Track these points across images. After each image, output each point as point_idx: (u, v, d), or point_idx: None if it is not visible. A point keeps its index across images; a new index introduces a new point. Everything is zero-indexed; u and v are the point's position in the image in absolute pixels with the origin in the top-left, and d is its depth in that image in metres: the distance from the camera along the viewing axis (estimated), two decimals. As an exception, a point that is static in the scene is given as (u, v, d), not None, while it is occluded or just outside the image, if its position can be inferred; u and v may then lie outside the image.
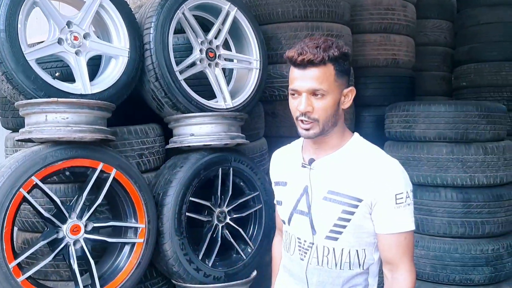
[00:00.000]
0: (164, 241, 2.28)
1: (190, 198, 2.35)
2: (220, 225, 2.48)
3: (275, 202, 1.64)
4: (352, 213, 1.40)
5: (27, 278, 1.86)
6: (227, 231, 2.50)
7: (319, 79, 1.34)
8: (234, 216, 2.52)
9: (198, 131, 2.41)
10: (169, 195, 2.31)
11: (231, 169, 2.49)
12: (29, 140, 2.06)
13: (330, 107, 1.37)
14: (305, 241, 1.48)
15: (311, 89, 1.35)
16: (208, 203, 2.44)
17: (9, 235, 1.83)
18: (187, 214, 2.34)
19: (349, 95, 1.43)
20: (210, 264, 2.42)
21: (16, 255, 1.85)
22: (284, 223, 1.57)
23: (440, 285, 3.04)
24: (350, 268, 1.45)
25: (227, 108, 2.55)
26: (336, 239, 1.42)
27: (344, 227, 1.41)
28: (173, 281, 2.45)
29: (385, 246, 1.42)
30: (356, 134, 1.51)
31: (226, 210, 2.49)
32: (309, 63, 1.33)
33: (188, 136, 2.42)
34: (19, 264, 1.86)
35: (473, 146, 3.02)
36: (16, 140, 2.10)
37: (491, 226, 3.00)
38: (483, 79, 4.76)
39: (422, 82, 4.86)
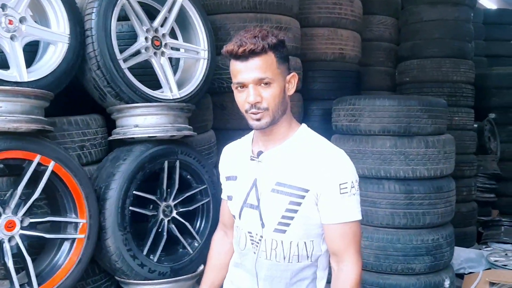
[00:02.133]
0: (107, 237, 2.19)
1: (134, 192, 2.27)
2: (166, 219, 2.41)
3: (225, 197, 1.63)
4: (299, 204, 1.39)
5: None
6: (173, 225, 2.44)
7: (263, 68, 1.33)
8: (181, 210, 2.46)
9: (142, 122, 2.33)
10: (112, 189, 2.22)
11: (178, 162, 2.42)
12: (-42, 131, 1.91)
13: (277, 94, 1.36)
14: (256, 234, 1.47)
15: (256, 79, 1.33)
16: (153, 197, 2.37)
17: None
18: (130, 208, 2.26)
19: (292, 81, 1.43)
20: (155, 260, 2.35)
21: None
22: (235, 217, 1.55)
23: (384, 275, 3.13)
24: (298, 261, 1.44)
25: (173, 99, 2.48)
26: (284, 231, 1.42)
27: (292, 218, 1.40)
28: (117, 278, 2.37)
29: (330, 236, 1.42)
30: (303, 125, 1.51)
31: (172, 204, 2.43)
32: (251, 53, 1.32)
33: (132, 128, 2.33)
34: None
35: (415, 139, 3.12)
36: None
37: (432, 217, 3.12)
38: (425, 74, 4.93)
39: (367, 77, 4.97)
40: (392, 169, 3.10)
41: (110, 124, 2.46)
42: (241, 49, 1.31)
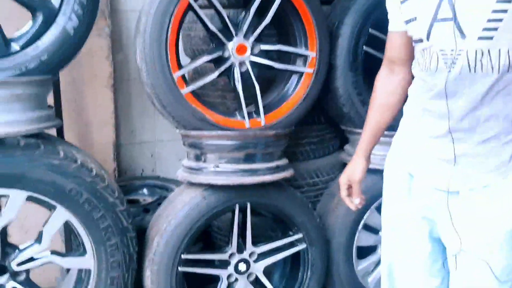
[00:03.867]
0: (336, 77, 2.00)
1: (371, 31, 1.99)
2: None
3: (398, 24, 1.33)
4: (509, 1, 1.08)
5: (192, 93, 1.77)
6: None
7: None
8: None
9: None
10: (346, 25, 1.98)
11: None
12: None
13: None
14: (451, 50, 1.16)
15: None
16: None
17: (174, 44, 1.72)
18: (364, 48, 2.00)
19: None
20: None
21: (181, 67, 1.76)
22: (422, 40, 1.22)
23: None
24: (508, 71, 1.14)
25: None
26: (491, 38, 1.11)
27: (500, 20, 1.09)
28: (342, 127, 2.21)
29: None
30: None
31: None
32: None
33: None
34: (183, 77, 1.77)
35: None
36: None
37: None
38: None
39: None
40: None
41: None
42: None
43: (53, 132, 2.09)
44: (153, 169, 2.93)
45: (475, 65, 1.15)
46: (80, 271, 1.81)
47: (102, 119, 2.61)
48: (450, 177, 1.24)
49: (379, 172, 2.11)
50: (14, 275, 1.68)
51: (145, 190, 2.51)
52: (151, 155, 2.91)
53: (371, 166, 2.07)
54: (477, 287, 1.26)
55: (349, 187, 1.56)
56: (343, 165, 2.42)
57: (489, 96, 1.16)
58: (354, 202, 1.57)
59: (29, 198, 1.61)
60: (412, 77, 1.35)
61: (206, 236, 2.59)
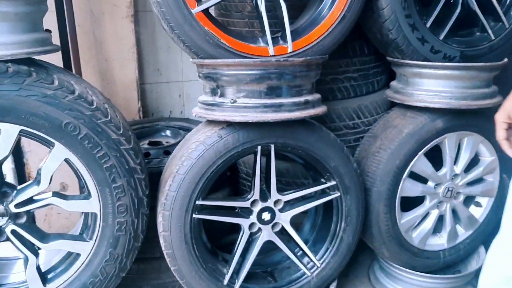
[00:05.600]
0: (380, -6, 1.66)
1: None
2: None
3: None
4: None
5: (204, 14, 1.51)
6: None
7: None
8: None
9: None
10: None
11: None
12: None
13: None
14: None
15: None
16: None
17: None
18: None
19: None
20: (441, 37, 1.74)
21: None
22: None
23: None
24: None
25: None
26: None
27: None
28: (388, 59, 1.88)
29: None
30: None
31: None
32: None
33: None
34: None
35: None
36: None
37: None
38: None
39: None
40: None
41: None
42: None
43: (59, 63, 1.91)
44: (181, 111, 2.73)
45: None
46: (86, 215, 1.66)
47: (123, 55, 2.41)
48: None
49: (430, 111, 1.81)
50: (14, 218, 1.54)
51: (168, 132, 2.31)
52: (179, 95, 2.70)
53: (420, 103, 1.78)
54: None
55: (509, 127, 1.29)
56: (389, 105, 2.12)
57: None
58: None
59: (23, 133, 1.44)
60: None
61: (233, 182, 2.39)
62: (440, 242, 2.02)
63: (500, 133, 1.30)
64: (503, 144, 1.32)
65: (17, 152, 2.30)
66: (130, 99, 2.49)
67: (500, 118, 1.30)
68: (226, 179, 2.25)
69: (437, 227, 2.01)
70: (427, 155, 1.85)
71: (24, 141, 2.27)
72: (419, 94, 1.79)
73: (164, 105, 2.68)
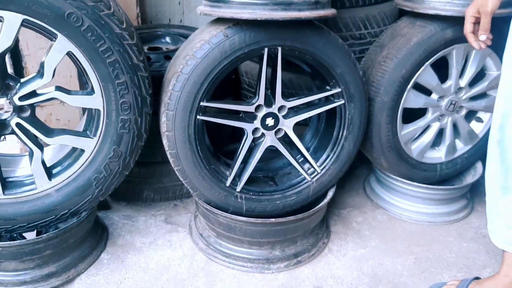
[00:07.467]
0: None
1: None
2: None
3: None
4: None
5: None
6: None
7: None
8: None
9: None
10: None
11: None
12: None
13: None
14: None
15: None
16: None
17: None
18: None
19: None
20: None
21: None
22: None
23: None
24: None
25: None
26: None
27: None
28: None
29: None
30: None
31: None
32: None
33: None
34: None
35: None
36: None
37: None
38: None
39: None
40: None
41: None
42: None
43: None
44: (181, 20, 2.65)
45: None
46: (90, 111, 1.64)
47: (122, -44, 2.29)
48: None
49: (440, 20, 1.76)
50: (18, 111, 1.52)
51: (167, 39, 2.25)
52: (179, 3, 2.61)
53: (431, 11, 1.73)
54: None
55: (476, 21, 1.36)
56: (397, 17, 2.07)
57: None
58: (480, 39, 1.38)
59: (26, 23, 1.39)
60: None
61: (236, 92, 2.37)
62: (438, 155, 2.05)
63: (468, 26, 1.38)
64: (469, 37, 1.40)
65: (15, 55, 2.25)
66: (128, 4, 2.40)
67: (470, 12, 1.36)
68: (229, 89, 2.24)
69: (436, 141, 2.03)
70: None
71: (23, 43, 2.21)
72: (430, 1, 1.74)
73: (163, 13, 2.60)
